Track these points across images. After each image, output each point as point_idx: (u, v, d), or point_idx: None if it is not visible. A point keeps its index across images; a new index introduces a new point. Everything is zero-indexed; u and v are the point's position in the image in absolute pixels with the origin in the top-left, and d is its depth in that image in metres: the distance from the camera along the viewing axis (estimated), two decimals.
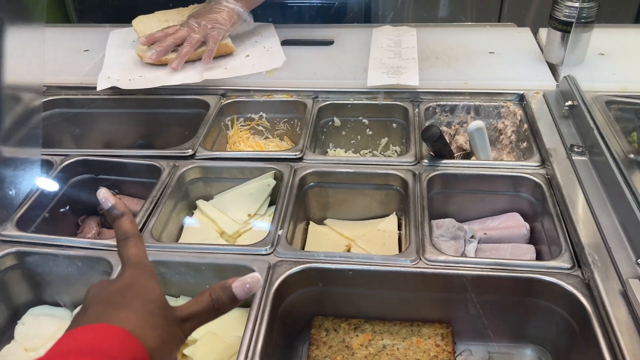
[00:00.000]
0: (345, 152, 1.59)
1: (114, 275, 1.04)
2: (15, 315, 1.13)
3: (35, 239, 1.12)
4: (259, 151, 1.44)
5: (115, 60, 1.65)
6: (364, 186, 1.30)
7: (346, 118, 1.55)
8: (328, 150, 1.58)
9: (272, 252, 1.07)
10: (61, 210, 1.31)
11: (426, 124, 1.47)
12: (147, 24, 1.67)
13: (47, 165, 1.33)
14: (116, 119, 1.60)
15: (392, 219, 1.29)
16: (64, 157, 1.35)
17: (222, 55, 1.69)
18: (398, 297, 1.06)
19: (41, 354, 0.90)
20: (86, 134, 1.62)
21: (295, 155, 1.32)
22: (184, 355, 1.03)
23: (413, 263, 1.03)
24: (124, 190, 1.38)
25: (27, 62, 0.86)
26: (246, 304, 1.07)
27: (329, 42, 1.78)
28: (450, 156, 1.32)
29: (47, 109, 1.57)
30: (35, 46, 0.79)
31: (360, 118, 1.54)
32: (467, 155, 1.45)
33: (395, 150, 1.56)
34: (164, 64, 1.63)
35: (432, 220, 1.21)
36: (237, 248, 1.08)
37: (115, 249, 1.08)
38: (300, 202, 1.26)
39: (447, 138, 1.52)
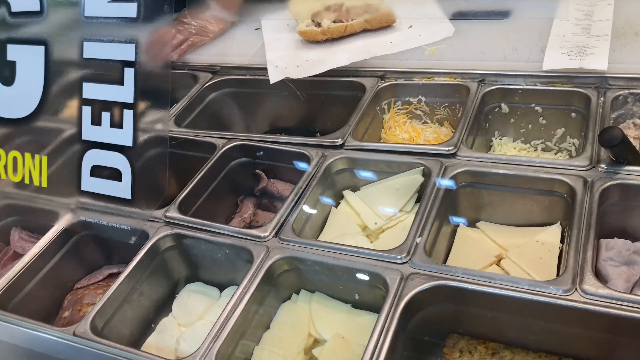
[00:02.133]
0: (514, 141, 1.43)
1: (255, 264, 1.08)
2: (175, 288, 1.25)
3: (192, 223, 1.20)
4: (409, 144, 1.36)
5: (276, 45, 1.67)
6: (525, 190, 1.15)
7: (516, 104, 1.39)
8: (493, 139, 1.44)
9: (408, 262, 1.01)
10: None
11: (613, 116, 1.25)
12: (303, 4, 1.65)
13: (210, 148, 1.41)
14: (278, 100, 1.65)
15: (555, 230, 1.13)
16: (226, 140, 1.42)
17: (384, 26, 1.62)
18: (545, 327, 0.94)
19: (191, 331, 0.96)
20: (251, 114, 1.70)
21: (448, 150, 1.22)
22: (312, 356, 1.04)
23: (566, 294, 0.89)
24: (278, 175, 1.42)
25: (157, 75, 0.89)
26: (377, 309, 1.05)
27: (505, 14, 1.59)
28: (637, 162, 1.10)
29: (217, 89, 1.68)
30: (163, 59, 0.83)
31: (533, 105, 1.37)
32: None
33: (574, 143, 1.35)
34: (327, 40, 1.62)
35: (602, 240, 1.04)
36: (371, 252, 1.05)
37: (259, 240, 1.13)
38: (449, 203, 1.17)
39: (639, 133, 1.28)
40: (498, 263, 1.12)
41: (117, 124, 0.87)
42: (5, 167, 1.06)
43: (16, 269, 1.20)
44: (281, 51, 1.65)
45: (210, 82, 1.69)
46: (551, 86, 1.33)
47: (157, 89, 0.92)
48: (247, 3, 2.01)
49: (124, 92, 0.86)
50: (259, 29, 1.83)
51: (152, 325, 1.19)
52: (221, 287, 1.23)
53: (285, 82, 1.58)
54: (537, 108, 1.36)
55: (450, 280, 0.96)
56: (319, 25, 1.60)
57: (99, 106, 0.86)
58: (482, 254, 1.14)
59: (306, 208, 1.20)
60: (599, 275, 0.99)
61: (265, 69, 1.61)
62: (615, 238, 1.04)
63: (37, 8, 0.87)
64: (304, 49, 1.63)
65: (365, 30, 1.62)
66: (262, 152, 1.39)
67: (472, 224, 1.23)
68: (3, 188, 1.37)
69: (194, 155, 1.44)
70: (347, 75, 1.53)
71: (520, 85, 1.36)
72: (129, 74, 0.86)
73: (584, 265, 0.92)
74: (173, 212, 1.22)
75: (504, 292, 0.92)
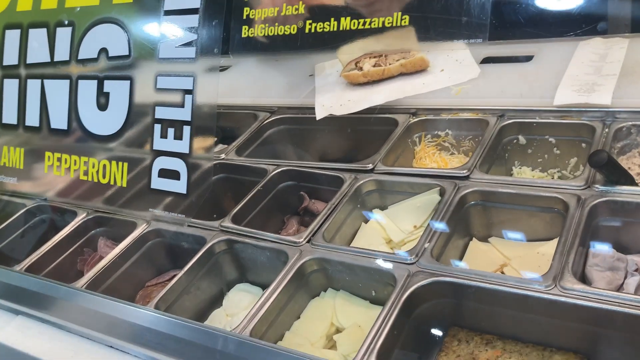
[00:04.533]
0: (532, 170, 1.58)
1: (289, 264, 1.28)
2: (228, 287, 1.48)
3: (242, 231, 1.44)
4: (429, 168, 1.55)
5: (325, 88, 1.92)
6: (528, 207, 1.30)
7: (532, 136, 1.54)
8: (513, 167, 1.59)
9: (415, 263, 1.18)
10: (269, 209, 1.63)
11: (618, 146, 1.39)
12: (350, 52, 1.90)
13: (262, 172, 1.66)
14: (323, 134, 1.88)
15: (555, 243, 1.26)
16: (275, 166, 1.67)
17: (418, 71, 1.83)
18: (532, 319, 1.07)
19: (236, 319, 1.18)
20: (303, 147, 1.94)
21: (462, 173, 1.39)
22: (331, 340, 1.22)
23: (546, 289, 1.03)
24: (318, 196, 1.64)
25: (208, 100, 1.15)
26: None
27: (528, 58, 1.76)
28: (630, 182, 1.23)
29: (274, 126, 1.94)
30: (213, 87, 1.08)
31: (547, 137, 1.52)
32: None
33: None
34: (368, 82, 1.85)
35: (591, 249, 1.16)
36: (384, 254, 1.23)
37: (294, 244, 1.34)
38: (460, 218, 1.34)
39: None
40: (502, 271, 1.26)
41: (178, 136, 1.13)
42: (97, 172, 1.37)
43: (100, 265, 1.48)
44: (328, 93, 1.90)
45: (268, 120, 1.96)
46: (562, 119, 1.48)
47: (207, 111, 1.18)
48: (305, 53, 2.30)
49: (184, 113, 1.13)
50: (312, 75, 2.10)
51: (205, 316, 1.42)
52: (264, 287, 1.45)
53: (330, 120, 1.82)
54: (551, 139, 1.51)
55: (446, 276, 1.12)
56: (360, 69, 1.84)
57: (167, 124, 1.14)
58: (488, 263, 1.29)
59: (337, 221, 1.41)
60: (585, 279, 1.12)
61: (314, 108, 1.85)
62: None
63: (126, 53, 1.18)
64: (347, 90, 1.87)
65: (401, 74, 1.84)
66: (304, 176, 1.62)
67: (484, 239, 1.39)
68: (94, 204, 1.68)
69: (248, 179, 1.69)
70: (383, 113, 1.75)
71: (534, 119, 1.52)
72: (189, 99, 1.13)
73: (565, 266, 1.06)
74: (227, 222, 1.46)
75: (493, 287, 1.08)
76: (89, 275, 1.45)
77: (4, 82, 1.43)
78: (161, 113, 1.17)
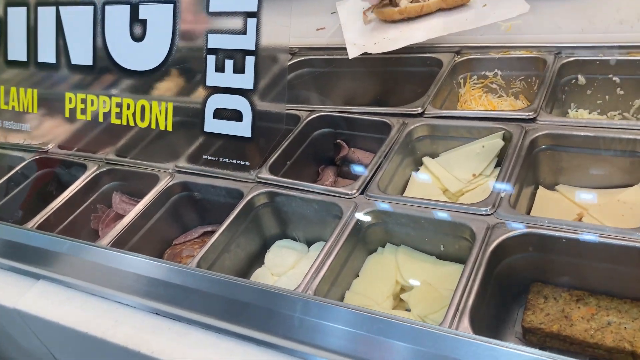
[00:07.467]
0: (590, 113, 1.46)
1: (344, 218, 1.15)
2: (265, 244, 1.35)
3: (283, 182, 1.29)
4: (489, 110, 1.41)
5: (353, 26, 1.75)
6: (605, 152, 1.18)
7: (592, 76, 1.41)
8: (569, 110, 1.47)
9: (493, 213, 1.06)
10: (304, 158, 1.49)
11: None
12: None
13: (295, 119, 1.50)
14: (355, 76, 1.72)
15: (637, 190, 1.16)
16: (309, 112, 1.51)
17: (459, 5, 1.67)
18: (632, 274, 0.97)
19: (286, 279, 1.06)
20: (329, 91, 1.78)
21: (528, 115, 1.26)
22: (400, 300, 1.11)
23: None
24: (358, 144, 1.50)
25: (277, 25, 0.97)
26: (462, 260, 1.11)
27: None
28: None
29: (297, 69, 1.77)
30: (284, 11, 0.91)
31: (610, 76, 1.39)
32: None
33: None
34: (403, 19, 1.68)
35: None
36: (457, 206, 1.11)
37: (347, 196, 1.21)
38: (529, 165, 1.22)
39: None
40: (579, 220, 1.15)
41: (239, 69, 0.97)
42: (134, 114, 1.19)
43: (123, 223, 1.32)
44: (358, 31, 1.73)
45: (290, 63, 1.78)
46: (630, 56, 1.35)
47: (276, 39, 1.01)
48: None
49: (247, 41, 0.96)
50: (334, 12, 1.92)
51: (246, 276, 1.29)
52: (308, 244, 1.32)
53: (363, 61, 1.66)
54: (615, 79, 1.39)
55: (535, 228, 1.01)
56: (396, 5, 1.67)
57: (223, 54, 0.97)
58: (562, 213, 1.18)
59: (389, 170, 1.27)
60: None
61: (342, 48, 1.69)
62: None
63: None
64: (380, 28, 1.70)
65: (440, 10, 1.68)
66: (343, 122, 1.47)
67: (550, 187, 1.27)
68: (107, 155, 1.52)
69: None
70: (423, 52, 1.60)
71: (598, 56, 1.39)
72: (252, 24, 0.96)
73: None
74: (265, 173, 1.32)
75: (592, 239, 0.96)
76: (111, 235, 1.29)
77: (7, 12, 1.22)
78: (216, 42, 0.98)
